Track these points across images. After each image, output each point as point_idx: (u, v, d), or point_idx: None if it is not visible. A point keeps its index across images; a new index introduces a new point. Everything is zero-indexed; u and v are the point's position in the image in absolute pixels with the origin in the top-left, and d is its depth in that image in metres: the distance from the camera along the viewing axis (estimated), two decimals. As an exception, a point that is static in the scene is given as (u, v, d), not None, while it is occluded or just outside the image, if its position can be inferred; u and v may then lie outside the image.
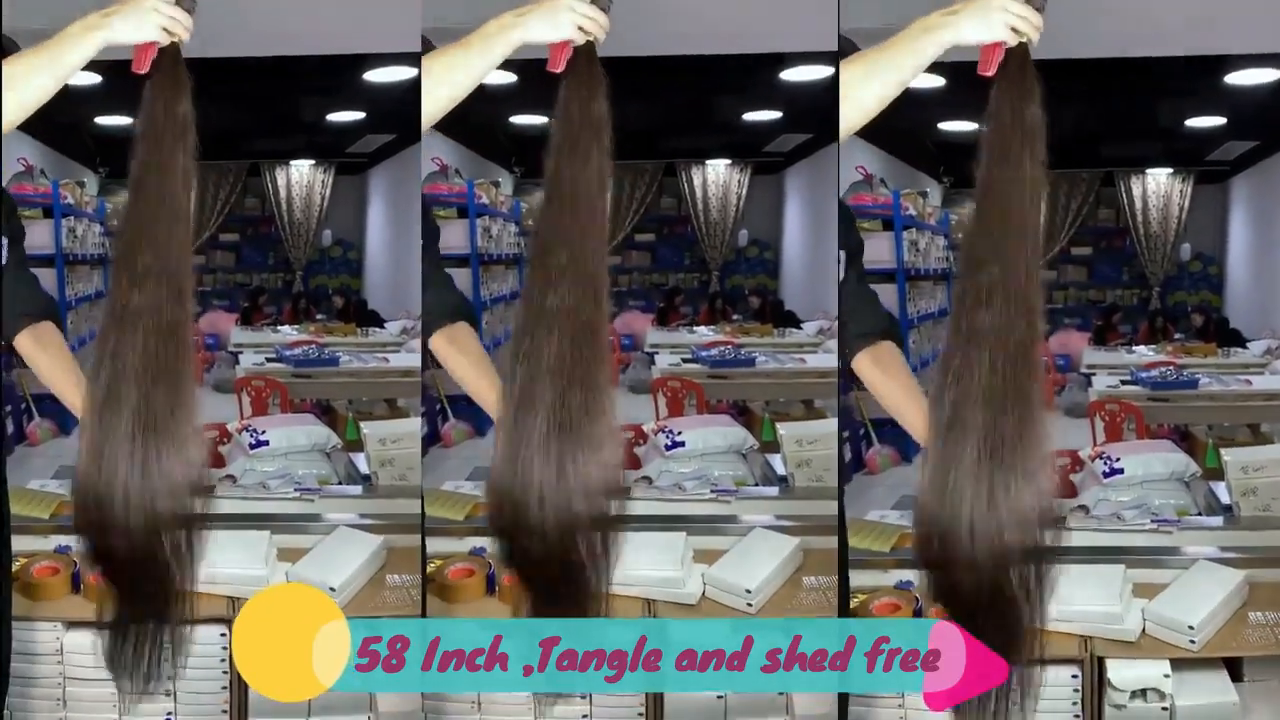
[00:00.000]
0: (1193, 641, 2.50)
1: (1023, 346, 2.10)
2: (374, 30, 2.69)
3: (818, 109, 2.61)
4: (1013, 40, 2.10)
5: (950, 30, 2.10)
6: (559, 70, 2.24)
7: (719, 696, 2.58)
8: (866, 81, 2.12)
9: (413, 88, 2.44)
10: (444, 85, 2.23)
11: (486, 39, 2.20)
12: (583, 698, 2.59)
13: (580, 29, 2.20)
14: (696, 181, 3.06)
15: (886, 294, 2.96)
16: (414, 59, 2.42)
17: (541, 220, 2.27)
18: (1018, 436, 2.09)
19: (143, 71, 2.21)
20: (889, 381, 2.36)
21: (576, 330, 2.20)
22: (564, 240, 2.21)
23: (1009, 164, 2.10)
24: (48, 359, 2.42)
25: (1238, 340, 2.99)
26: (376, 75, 2.81)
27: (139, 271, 2.17)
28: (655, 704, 2.58)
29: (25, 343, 2.42)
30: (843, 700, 2.43)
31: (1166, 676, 2.48)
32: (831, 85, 2.46)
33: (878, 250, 2.89)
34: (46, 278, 2.98)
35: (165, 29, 2.18)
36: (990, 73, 2.12)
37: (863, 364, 2.37)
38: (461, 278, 2.97)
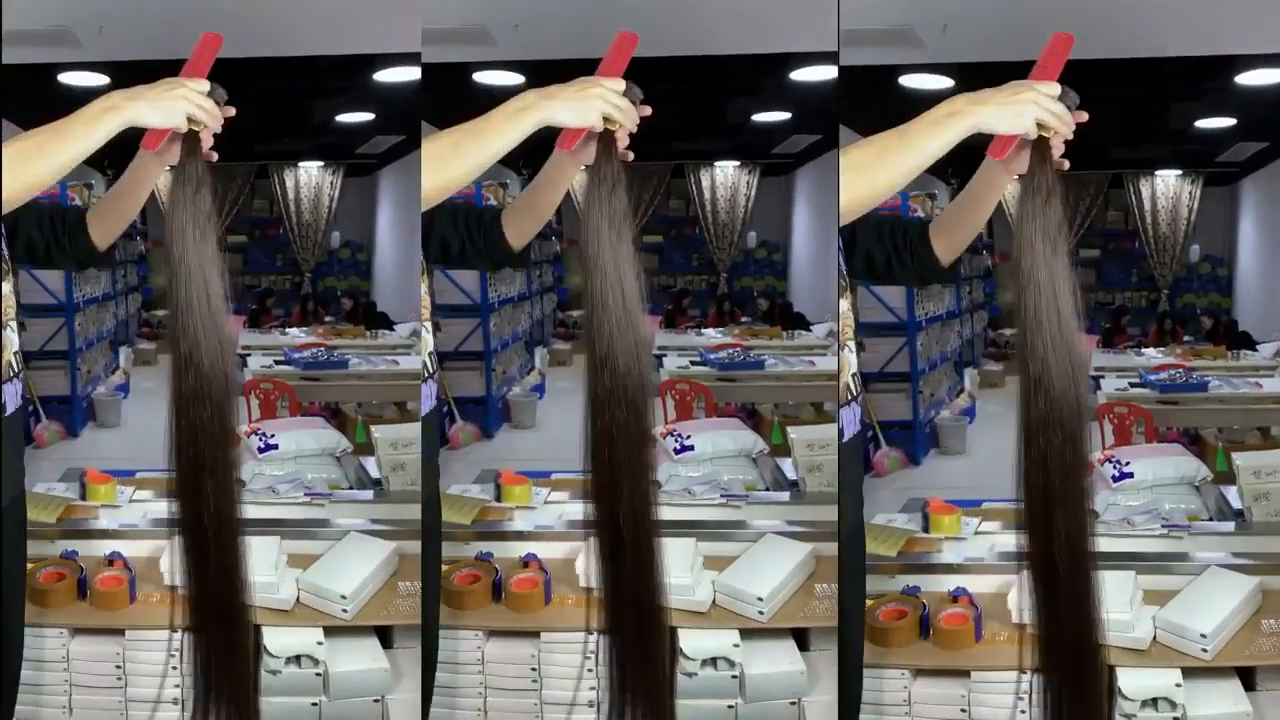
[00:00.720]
0: (1205, 650, 2.49)
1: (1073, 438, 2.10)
2: (383, 30, 2.68)
3: (827, 110, 2.60)
4: (1035, 133, 2.04)
5: (977, 118, 2.04)
6: (566, 150, 2.18)
7: (729, 705, 2.57)
8: (879, 166, 2.07)
9: (421, 89, 2.44)
10: (448, 169, 2.18)
11: (506, 118, 2.14)
12: (589, 671, 2.58)
13: (606, 118, 2.14)
14: (705, 183, 3.06)
15: (894, 295, 2.95)
16: (419, 59, 2.41)
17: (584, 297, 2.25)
18: None
19: (152, 150, 2.17)
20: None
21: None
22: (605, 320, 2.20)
23: (1037, 261, 2.08)
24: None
25: (1247, 343, 2.98)
26: (386, 75, 2.79)
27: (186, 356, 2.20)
28: (665, 684, 2.57)
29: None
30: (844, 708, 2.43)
31: (1178, 685, 2.47)
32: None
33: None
34: (54, 279, 2.97)
35: (192, 118, 2.13)
36: (1001, 157, 2.07)
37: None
38: (469, 279, 2.97)
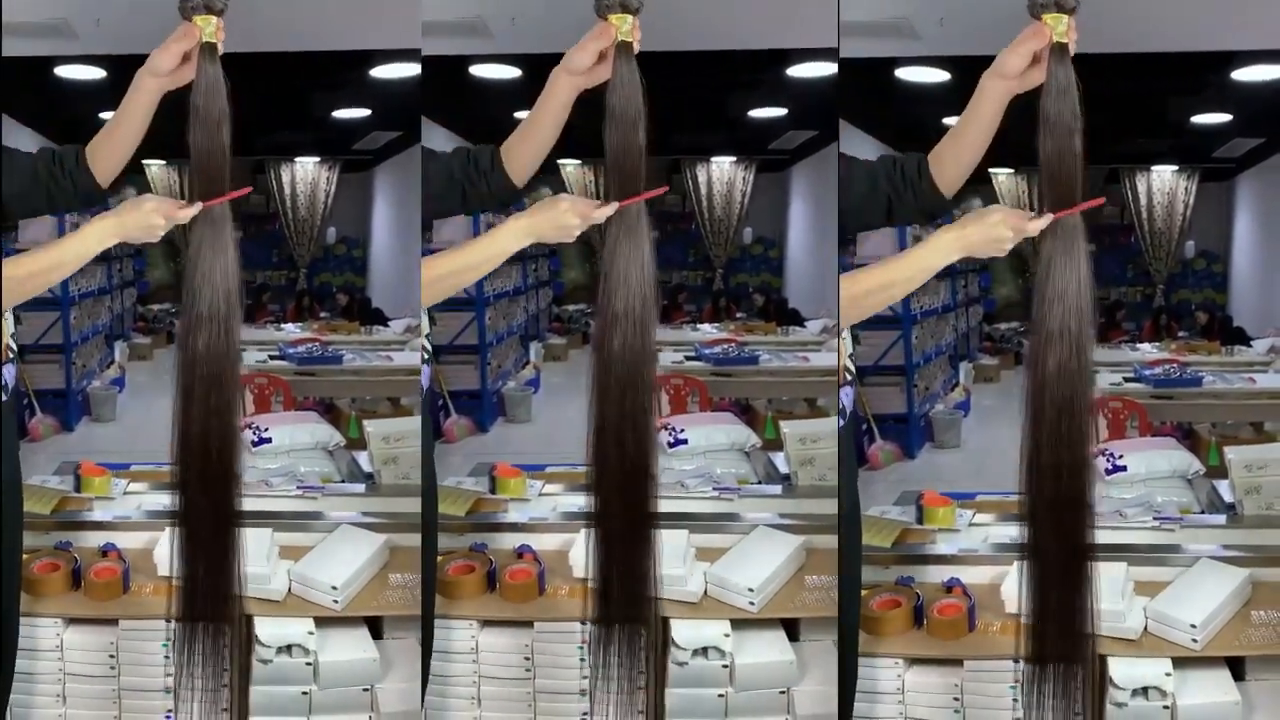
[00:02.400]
0: (1195, 640, 2.49)
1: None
2: (380, 26, 2.68)
3: (823, 106, 2.61)
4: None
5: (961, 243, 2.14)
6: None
7: (720, 695, 2.58)
8: (875, 294, 2.20)
9: (419, 84, 2.44)
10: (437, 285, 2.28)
11: (493, 240, 2.23)
12: (582, 693, 2.59)
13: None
14: (701, 178, 3.06)
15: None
16: (418, 55, 2.42)
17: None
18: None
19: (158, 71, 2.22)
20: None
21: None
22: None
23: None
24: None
25: (1242, 338, 2.98)
26: (382, 71, 2.80)
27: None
28: (656, 701, 2.58)
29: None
30: (843, 699, 2.43)
31: (1168, 675, 2.47)
32: (837, 83, 2.46)
33: (881, 246, 2.89)
34: (50, 273, 2.97)
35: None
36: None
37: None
38: (465, 274, 2.97)
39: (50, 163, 2.33)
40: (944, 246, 2.15)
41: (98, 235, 2.23)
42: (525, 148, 2.33)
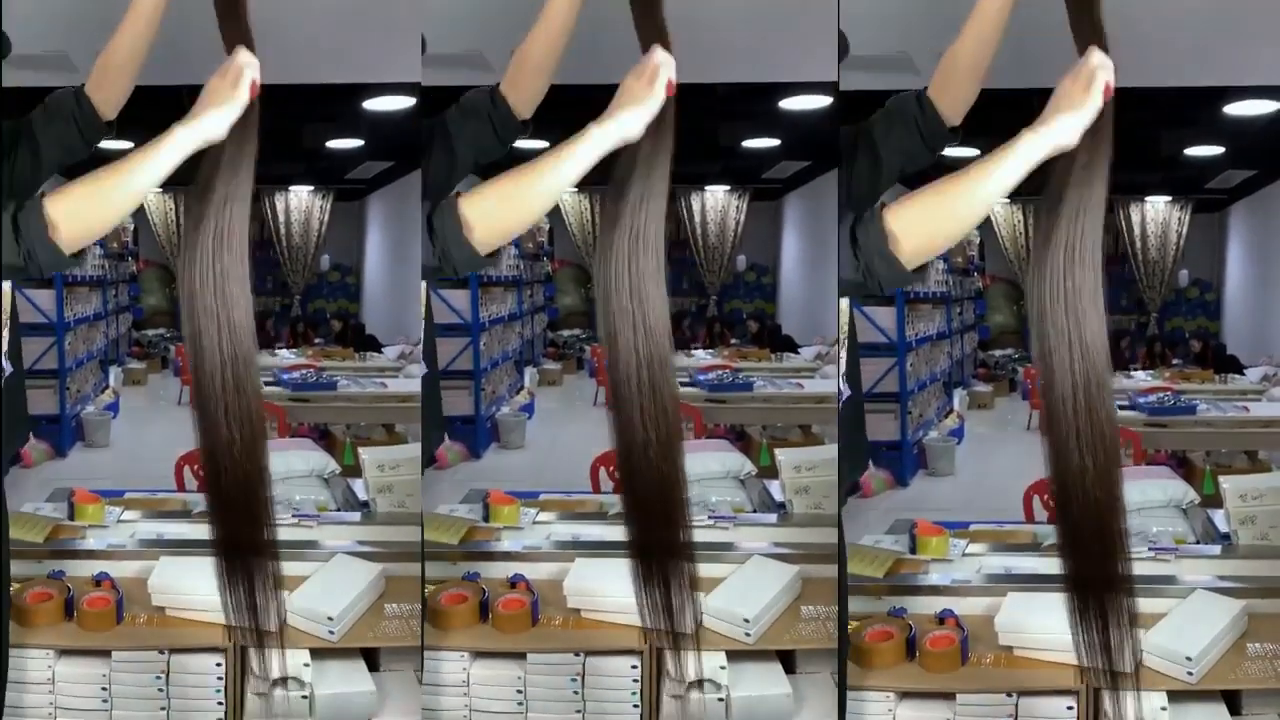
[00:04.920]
0: (1190, 673, 2.49)
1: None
2: (374, 59, 2.69)
3: (816, 137, 2.62)
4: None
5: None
6: None
7: (720, 699, 2.57)
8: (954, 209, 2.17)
9: (411, 116, 2.45)
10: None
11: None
12: (575, 694, 2.58)
13: None
14: (695, 206, 3.07)
15: (885, 316, 2.96)
16: (413, 88, 2.42)
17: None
18: None
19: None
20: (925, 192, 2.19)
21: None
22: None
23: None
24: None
25: (1235, 366, 2.99)
26: (376, 104, 2.81)
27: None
28: (652, 706, 2.58)
29: None
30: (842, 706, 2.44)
31: (1164, 709, 2.47)
32: (830, 114, 2.47)
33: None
34: (45, 298, 2.98)
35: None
36: None
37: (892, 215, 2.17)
38: (460, 298, 2.97)
39: (48, 112, 2.34)
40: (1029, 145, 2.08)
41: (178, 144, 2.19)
42: (526, 83, 2.34)
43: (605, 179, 2.34)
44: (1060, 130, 2.11)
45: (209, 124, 2.20)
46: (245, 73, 2.20)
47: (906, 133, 2.29)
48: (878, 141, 2.30)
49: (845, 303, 2.36)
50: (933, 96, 2.30)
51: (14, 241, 2.21)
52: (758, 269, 3.10)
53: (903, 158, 2.34)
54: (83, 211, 2.21)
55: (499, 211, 2.20)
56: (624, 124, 2.18)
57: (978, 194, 2.12)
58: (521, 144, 2.85)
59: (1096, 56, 2.08)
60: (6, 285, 2.44)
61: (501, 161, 2.42)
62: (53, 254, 2.21)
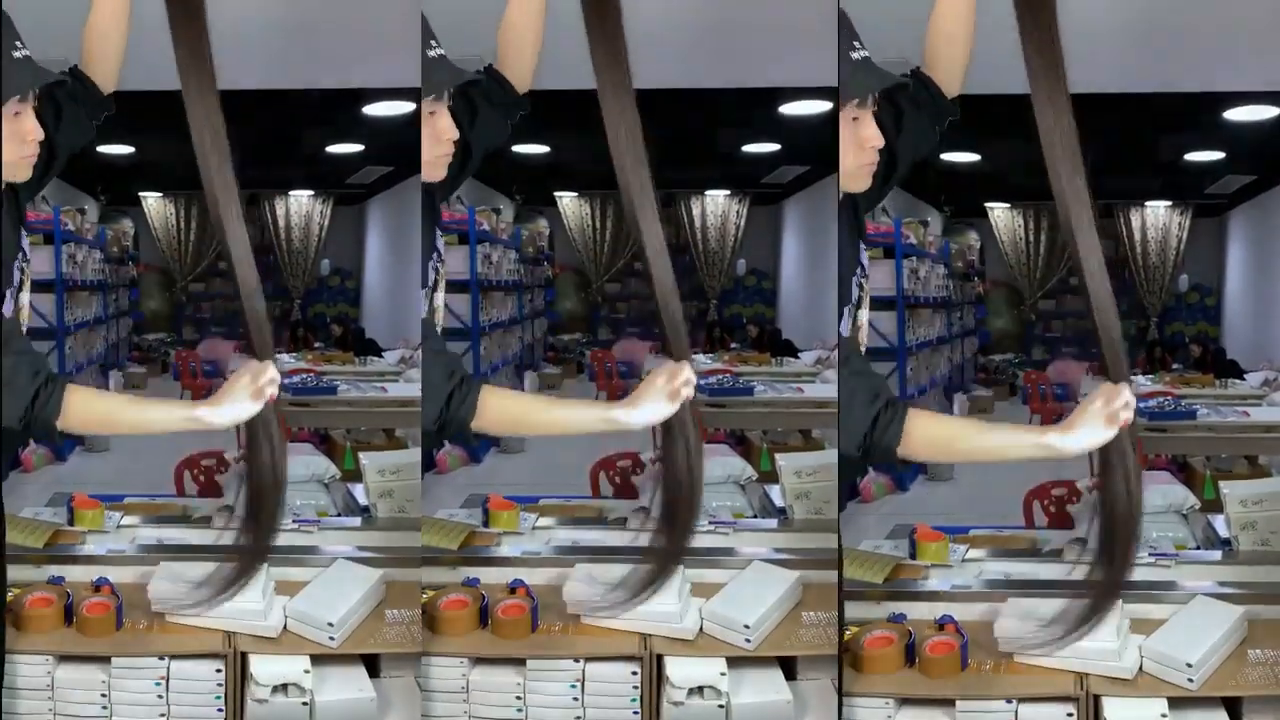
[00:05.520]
0: (1191, 680, 2.49)
1: None
2: (373, 65, 2.69)
3: (816, 142, 2.61)
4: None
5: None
6: None
7: (720, 705, 2.56)
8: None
9: (411, 121, 2.45)
10: None
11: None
12: (574, 700, 2.58)
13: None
14: (695, 211, 3.07)
15: (886, 321, 2.96)
16: (412, 94, 2.42)
17: None
18: None
19: None
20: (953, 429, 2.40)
21: None
22: None
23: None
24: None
25: (1235, 371, 2.99)
26: (375, 109, 2.81)
27: None
28: (652, 712, 2.57)
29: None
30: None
31: (1164, 716, 2.47)
32: (829, 119, 2.47)
33: (878, 278, 2.89)
34: (46, 303, 2.97)
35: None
36: None
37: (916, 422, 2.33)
38: (461, 303, 2.97)
39: (60, 100, 2.40)
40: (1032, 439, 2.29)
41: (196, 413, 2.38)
42: (517, 54, 2.43)
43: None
44: (1076, 445, 2.27)
45: (224, 416, 2.38)
46: (267, 390, 2.39)
47: (914, 115, 2.34)
48: (890, 139, 2.33)
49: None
50: (928, 72, 2.35)
51: (27, 399, 2.33)
52: (758, 273, 3.10)
53: (913, 149, 2.38)
54: (91, 424, 2.44)
55: (510, 422, 2.44)
56: (636, 418, 2.38)
57: (990, 451, 2.35)
58: (520, 148, 2.88)
59: (1127, 394, 2.25)
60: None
61: (502, 149, 2.56)
62: (47, 433, 2.46)
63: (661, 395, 2.37)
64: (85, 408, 2.35)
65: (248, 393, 2.36)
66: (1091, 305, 2.23)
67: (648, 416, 2.38)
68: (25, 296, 2.53)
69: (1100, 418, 2.23)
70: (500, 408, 2.37)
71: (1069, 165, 2.17)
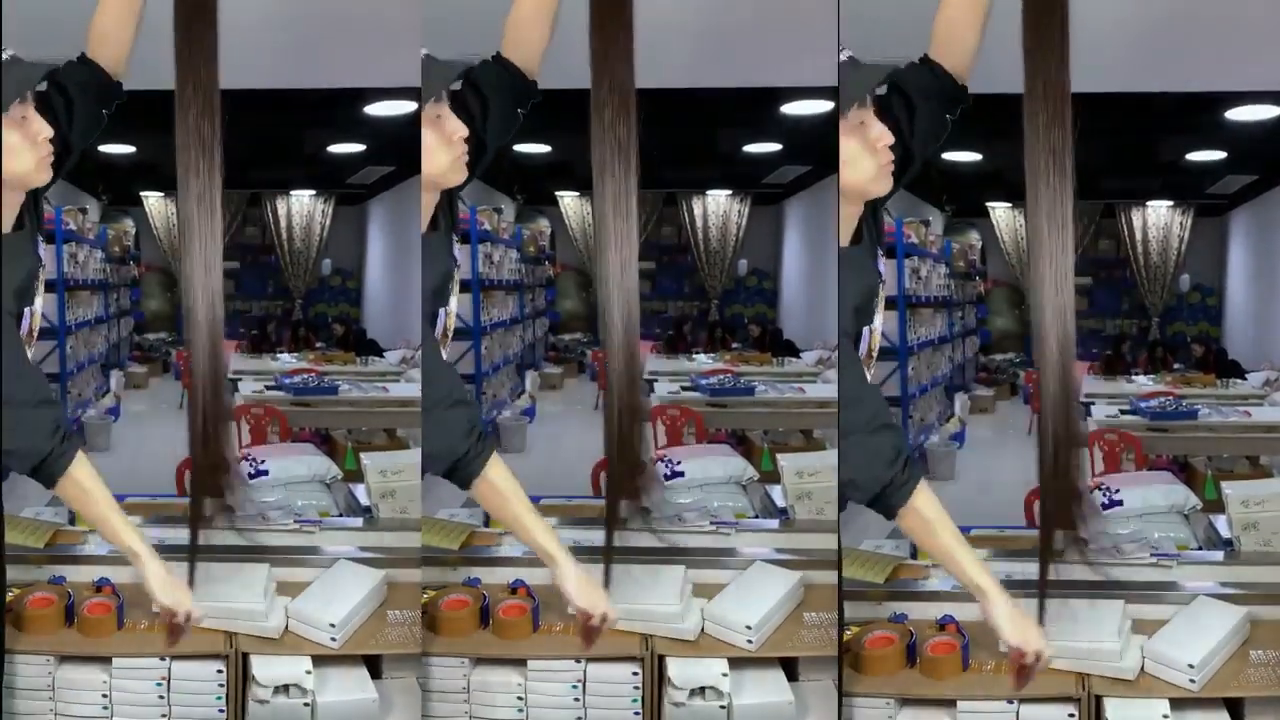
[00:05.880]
0: (1193, 680, 2.49)
1: None
2: (375, 65, 2.69)
3: (817, 142, 2.61)
4: None
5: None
6: None
7: (721, 706, 2.56)
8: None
9: (412, 121, 2.45)
10: None
11: None
12: (576, 700, 2.58)
13: None
14: (697, 211, 3.07)
15: (887, 320, 2.96)
16: (414, 93, 2.42)
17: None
18: None
19: None
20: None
21: None
22: None
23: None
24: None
25: (1237, 371, 2.99)
26: (377, 109, 2.81)
27: None
28: (653, 713, 2.57)
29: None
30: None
31: (1166, 717, 2.47)
32: (830, 119, 2.47)
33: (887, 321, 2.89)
34: (47, 303, 2.97)
35: None
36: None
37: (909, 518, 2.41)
38: (462, 303, 2.97)
39: (56, 95, 2.39)
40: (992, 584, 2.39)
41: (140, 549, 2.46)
42: (526, 39, 2.41)
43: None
44: (1001, 614, 2.39)
45: (152, 585, 2.47)
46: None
47: (925, 106, 2.33)
48: (903, 133, 2.33)
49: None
50: (938, 59, 2.33)
51: (44, 452, 2.41)
52: (759, 273, 3.10)
53: (927, 140, 2.37)
54: (70, 497, 2.48)
55: (497, 498, 2.48)
56: (568, 586, 2.48)
57: (949, 558, 2.43)
58: (521, 148, 2.88)
59: (1038, 645, 2.40)
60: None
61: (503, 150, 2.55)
62: (45, 484, 2.47)
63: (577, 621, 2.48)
64: (80, 472, 2.43)
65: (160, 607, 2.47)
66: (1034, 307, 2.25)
67: (573, 594, 2.47)
68: (39, 301, 2.52)
69: (1022, 641, 2.38)
70: (499, 475, 2.45)
71: (1058, 166, 2.16)
